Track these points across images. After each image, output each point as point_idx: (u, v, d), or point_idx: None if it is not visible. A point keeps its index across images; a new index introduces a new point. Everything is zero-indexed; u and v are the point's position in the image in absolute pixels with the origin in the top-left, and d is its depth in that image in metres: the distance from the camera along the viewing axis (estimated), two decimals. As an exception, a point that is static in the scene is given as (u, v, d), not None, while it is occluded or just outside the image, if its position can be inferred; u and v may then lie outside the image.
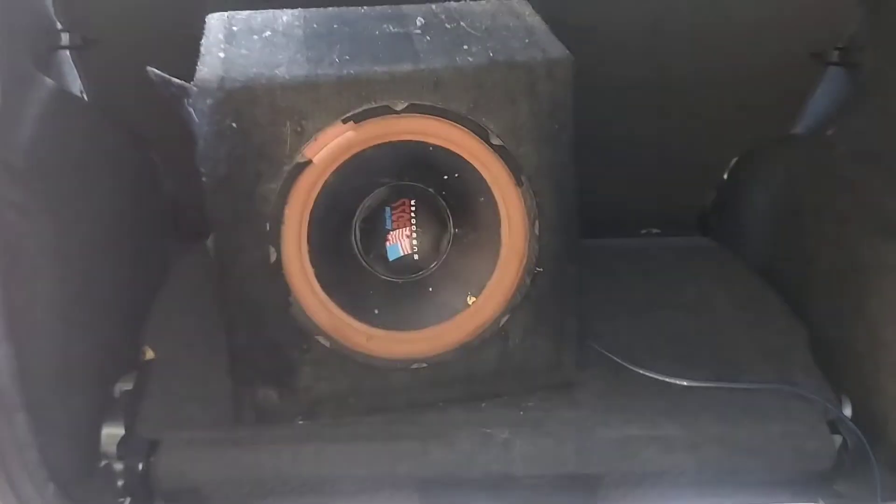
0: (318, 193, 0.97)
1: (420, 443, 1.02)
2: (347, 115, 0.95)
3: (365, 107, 0.95)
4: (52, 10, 1.20)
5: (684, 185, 1.51)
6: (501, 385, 1.08)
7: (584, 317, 1.19)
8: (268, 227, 0.96)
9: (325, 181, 0.97)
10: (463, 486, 1.03)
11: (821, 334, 1.23)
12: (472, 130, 0.98)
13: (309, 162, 0.95)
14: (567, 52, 1.00)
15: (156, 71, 1.01)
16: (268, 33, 1.02)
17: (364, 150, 0.97)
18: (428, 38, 1.02)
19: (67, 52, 1.24)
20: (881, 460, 1.07)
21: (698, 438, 1.05)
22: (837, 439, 1.08)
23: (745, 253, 1.47)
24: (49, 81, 1.12)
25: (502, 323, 1.05)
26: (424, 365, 1.04)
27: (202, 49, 0.98)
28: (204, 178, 0.94)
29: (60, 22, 1.21)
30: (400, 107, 0.95)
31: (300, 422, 1.03)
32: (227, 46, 0.98)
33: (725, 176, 1.53)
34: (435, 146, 0.99)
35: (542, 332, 1.07)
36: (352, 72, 0.94)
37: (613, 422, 1.06)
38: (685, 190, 1.54)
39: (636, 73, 1.31)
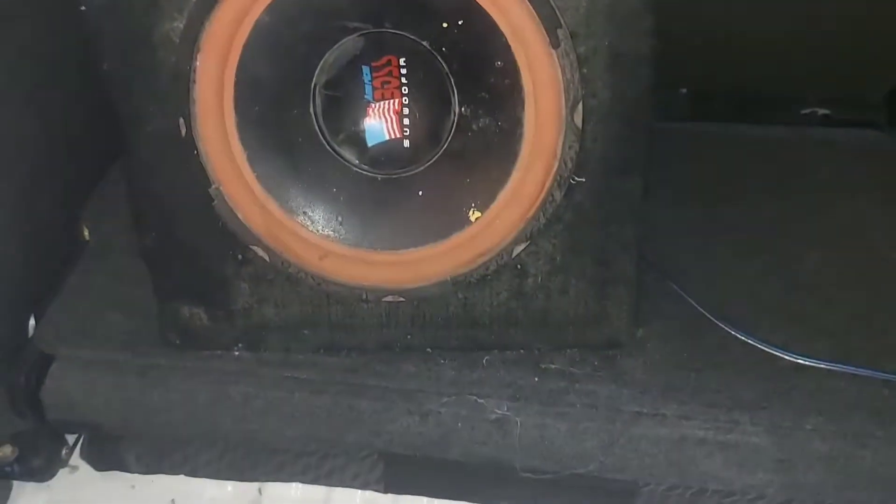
0: (248, 40, 0.66)
1: (384, 405, 0.74)
2: (281, -86, 0.60)
3: None
4: None
5: (868, 42, 1.01)
6: (514, 336, 0.76)
7: (665, 246, 0.84)
8: (172, 87, 0.66)
9: (256, 22, 0.65)
10: (437, 469, 0.75)
11: None
12: (481, -52, 0.61)
13: (225, -10, 0.63)
14: None
15: None
16: None
17: (314, -24, 0.64)
18: None
19: None
20: None
21: (795, 455, 0.70)
22: None
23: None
24: None
25: (517, 252, 0.72)
26: (401, 299, 0.74)
27: None
28: (82, 7, 0.65)
29: None
30: None
31: (237, 353, 0.78)
32: None
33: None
34: (424, -27, 0.63)
35: (578, 269, 0.73)
36: None
37: (670, 411, 0.72)
38: (868, 52, 1.03)
39: None
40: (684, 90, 1.16)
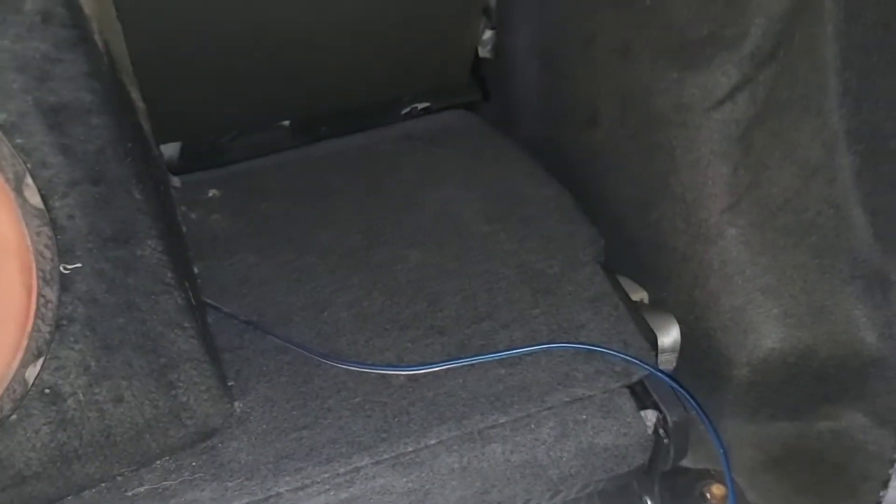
0: None
1: None
2: None
3: None
4: None
5: (438, 26, 1.01)
6: (78, 473, 0.61)
7: (262, 297, 0.75)
8: None
9: None
10: None
11: (624, 232, 0.82)
12: None
13: None
14: None
15: None
16: None
17: None
18: None
19: None
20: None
21: (426, 479, 0.63)
22: (651, 415, 0.68)
23: (518, 120, 1.02)
24: None
25: (34, 375, 0.57)
26: None
27: None
28: None
29: None
30: None
31: None
32: None
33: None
34: None
35: (122, 368, 0.60)
36: None
37: (284, 486, 0.62)
38: (443, 32, 1.04)
39: None
40: (287, 123, 1.09)
